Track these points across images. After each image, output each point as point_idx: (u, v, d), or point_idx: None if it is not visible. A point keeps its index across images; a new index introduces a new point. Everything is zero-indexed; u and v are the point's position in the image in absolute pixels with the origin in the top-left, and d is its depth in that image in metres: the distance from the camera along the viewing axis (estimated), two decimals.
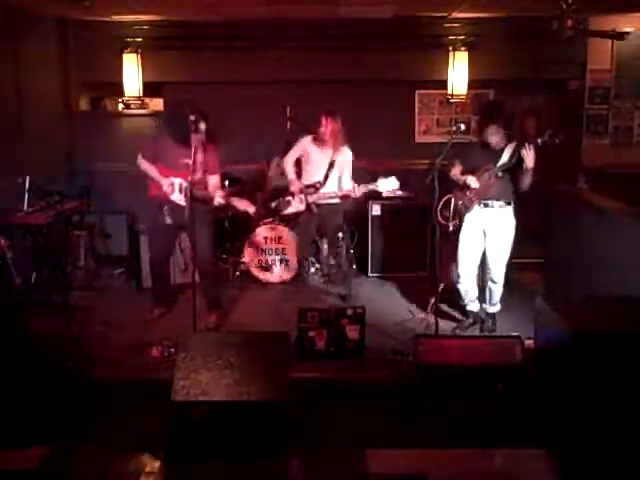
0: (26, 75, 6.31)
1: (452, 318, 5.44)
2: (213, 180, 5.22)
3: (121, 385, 4.26)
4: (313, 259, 6.70)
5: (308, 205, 5.85)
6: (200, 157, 4.97)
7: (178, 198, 5.09)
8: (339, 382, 4.35)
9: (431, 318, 4.96)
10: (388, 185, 5.28)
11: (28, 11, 6.27)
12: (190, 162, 4.80)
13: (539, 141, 4.62)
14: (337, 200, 5.88)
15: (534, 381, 4.00)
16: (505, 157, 4.83)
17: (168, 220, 5.15)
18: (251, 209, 5.21)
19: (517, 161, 4.72)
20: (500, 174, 4.82)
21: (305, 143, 5.90)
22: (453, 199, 5.10)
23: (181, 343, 3.93)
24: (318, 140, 5.81)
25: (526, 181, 4.76)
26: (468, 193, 4.97)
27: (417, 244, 6.64)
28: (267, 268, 6.43)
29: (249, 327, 5.23)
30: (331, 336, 4.67)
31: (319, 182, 5.85)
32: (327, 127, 5.68)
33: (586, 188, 6.61)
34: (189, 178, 4.75)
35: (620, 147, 7.37)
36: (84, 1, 5.62)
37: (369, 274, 6.75)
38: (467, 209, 5.00)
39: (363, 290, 6.32)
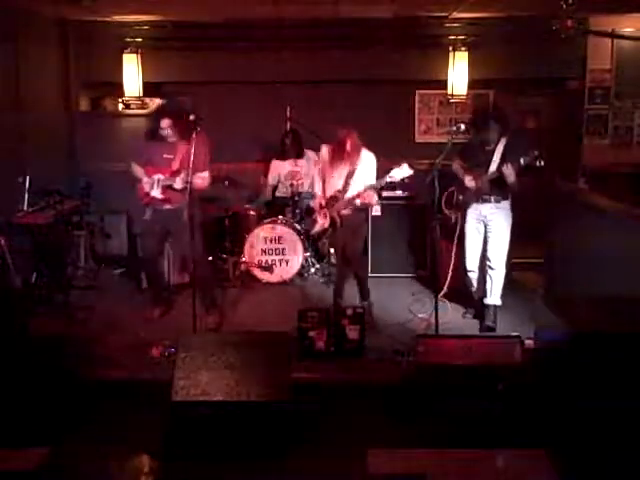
0: (26, 75, 6.30)
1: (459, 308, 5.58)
2: (201, 176, 5.11)
3: (121, 385, 4.26)
4: (313, 259, 6.71)
5: (332, 219, 5.42)
6: (180, 152, 5.03)
7: (155, 193, 5.17)
8: (339, 382, 4.35)
9: (431, 318, 4.96)
10: (402, 173, 5.02)
11: (28, 11, 6.27)
12: (171, 157, 5.02)
13: (522, 161, 4.76)
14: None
15: (534, 381, 3.99)
16: (497, 157, 5.00)
17: (147, 215, 5.26)
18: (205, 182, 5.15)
19: (500, 177, 4.92)
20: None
21: (325, 156, 5.54)
22: (455, 192, 5.34)
23: (181, 343, 3.92)
24: (338, 154, 5.41)
25: (512, 188, 4.96)
26: (467, 193, 5.21)
27: (417, 244, 6.64)
28: (267, 268, 6.42)
29: (249, 327, 5.23)
30: (331, 336, 4.67)
31: (338, 191, 5.39)
32: (348, 143, 5.30)
33: (586, 188, 6.61)
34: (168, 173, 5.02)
35: (620, 147, 7.37)
36: (84, 1, 5.62)
37: (369, 274, 6.72)
38: (467, 204, 5.24)
39: None
